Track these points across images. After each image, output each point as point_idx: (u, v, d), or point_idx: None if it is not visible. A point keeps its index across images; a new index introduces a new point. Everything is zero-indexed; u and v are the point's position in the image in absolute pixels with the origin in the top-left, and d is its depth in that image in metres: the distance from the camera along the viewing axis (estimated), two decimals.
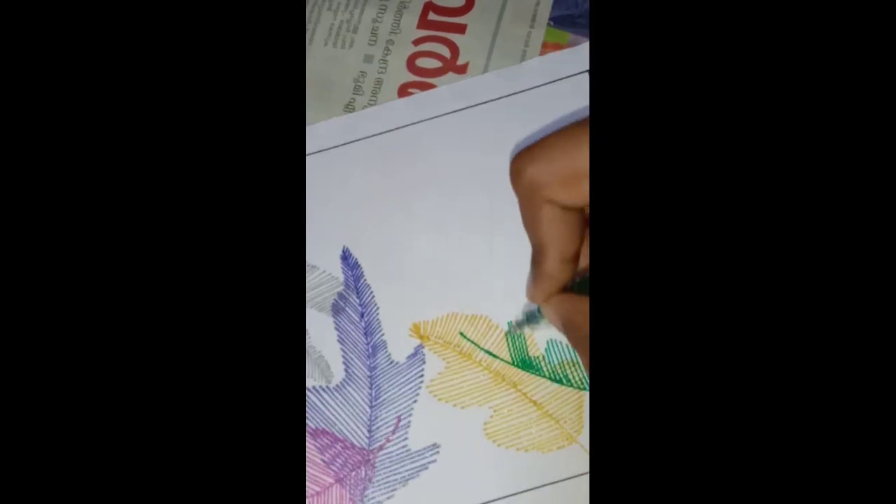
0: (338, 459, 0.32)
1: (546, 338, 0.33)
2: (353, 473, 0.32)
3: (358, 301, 0.35)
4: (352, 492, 0.31)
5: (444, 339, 0.34)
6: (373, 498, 0.31)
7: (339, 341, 0.34)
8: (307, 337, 0.34)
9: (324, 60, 0.40)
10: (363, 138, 0.38)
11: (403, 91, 0.39)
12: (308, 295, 0.35)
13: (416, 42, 0.40)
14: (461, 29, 0.40)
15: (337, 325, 0.35)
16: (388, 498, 0.31)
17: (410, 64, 0.40)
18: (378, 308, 0.35)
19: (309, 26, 0.41)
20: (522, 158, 0.27)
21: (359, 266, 0.36)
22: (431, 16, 0.41)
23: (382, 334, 0.34)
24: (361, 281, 0.35)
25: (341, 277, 0.35)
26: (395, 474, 0.31)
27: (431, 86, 0.39)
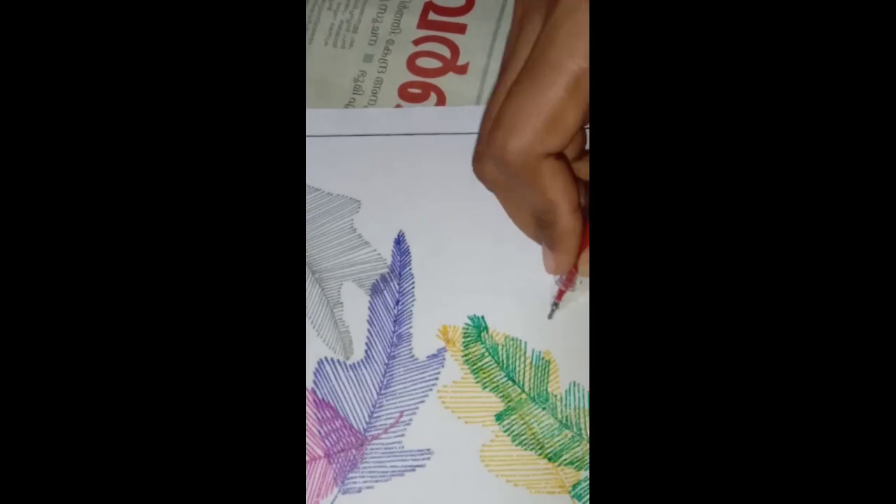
0: (332, 435, 0.32)
1: (569, 379, 0.32)
2: (343, 454, 0.32)
3: (398, 288, 0.35)
4: (336, 470, 0.31)
5: (469, 350, 0.33)
6: (354, 482, 0.31)
7: (368, 321, 0.34)
8: (340, 308, 0.34)
9: (324, 60, 0.40)
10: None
11: (403, 91, 0.39)
12: (352, 269, 0.35)
13: (417, 42, 0.40)
14: (461, 29, 0.39)
15: (371, 305, 0.35)
16: (369, 487, 0.31)
17: (410, 64, 0.39)
18: (415, 300, 0.34)
19: (309, 26, 0.41)
20: (495, 140, 0.28)
21: (408, 253, 0.35)
22: (431, 16, 0.40)
23: (411, 326, 0.34)
24: (407, 269, 0.35)
25: (388, 260, 0.35)
26: (381, 466, 0.31)
27: (432, 86, 0.39)
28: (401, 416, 0.32)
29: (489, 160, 0.29)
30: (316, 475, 0.31)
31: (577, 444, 0.31)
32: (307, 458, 0.32)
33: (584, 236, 0.30)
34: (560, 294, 0.33)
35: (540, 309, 0.33)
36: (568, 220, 0.29)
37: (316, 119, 0.38)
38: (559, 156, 0.28)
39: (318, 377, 0.33)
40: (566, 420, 0.31)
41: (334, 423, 0.32)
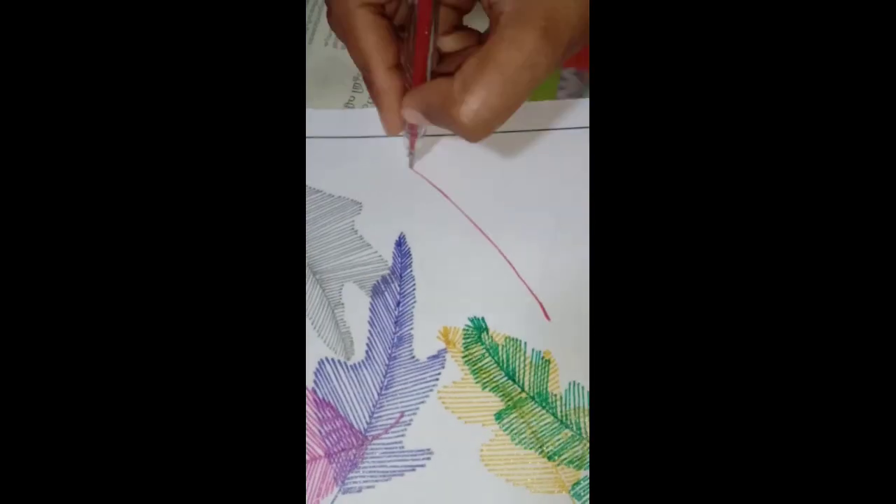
0: (333, 435, 0.32)
1: (569, 378, 0.32)
2: (343, 454, 0.32)
3: (399, 289, 0.35)
4: (337, 470, 0.32)
5: (469, 350, 0.33)
6: (354, 482, 0.31)
7: (369, 322, 0.34)
8: (340, 308, 0.35)
9: (324, 60, 0.41)
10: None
11: None
12: (353, 270, 0.35)
13: None
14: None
15: (372, 306, 0.35)
16: (369, 487, 0.31)
17: None
18: (415, 302, 0.34)
19: (309, 26, 0.41)
20: None
21: (409, 255, 0.35)
22: None
23: (412, 328, 0.34)
24: (408, 271, 0.35)
25: (390, 262, 0.35)
26: (382, 466, 0.31)
27: None
28: (401, 416, 0.32)
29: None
30: (316, 475, 0.31)
31: (577, 443, 0.31)
32: (308, 457, 0.32)
33: (404, 91, 0.31)
34: (412, 143, 0.35)
35: (539, 309, 0.34)
36: (382, 79, 0.30)
37: (316, 119, 0.38)
38: (380, 14, 0.29)
39: (319, 377, 0.33)
40: (566, 419, 0.31)
41: (335, 423, 0.32)
